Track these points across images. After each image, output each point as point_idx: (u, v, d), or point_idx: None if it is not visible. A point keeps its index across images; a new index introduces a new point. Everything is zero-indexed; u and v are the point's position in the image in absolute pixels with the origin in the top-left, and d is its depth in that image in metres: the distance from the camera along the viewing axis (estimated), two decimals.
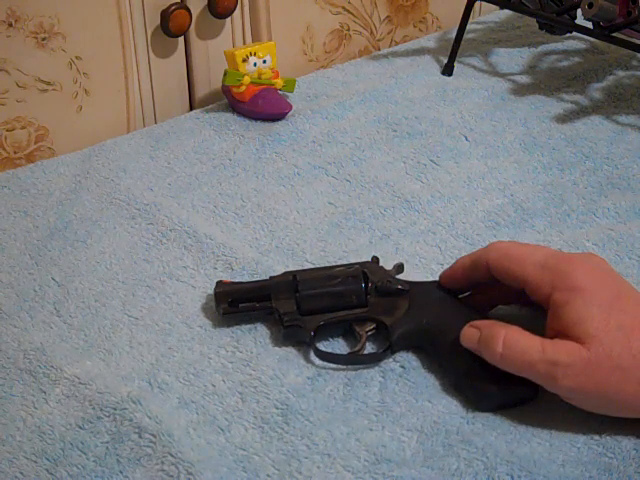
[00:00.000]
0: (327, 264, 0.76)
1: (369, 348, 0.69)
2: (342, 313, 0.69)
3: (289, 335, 0.69)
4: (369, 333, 0.69)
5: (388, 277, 0.70)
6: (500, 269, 0.65)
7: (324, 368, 0.67)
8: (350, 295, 0.69)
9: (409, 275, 0.73)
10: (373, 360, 0.67)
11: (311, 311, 0.69)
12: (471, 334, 0.64)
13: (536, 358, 0.60)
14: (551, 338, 0.61)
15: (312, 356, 0.68)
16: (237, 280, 0.75)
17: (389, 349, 0.67)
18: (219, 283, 0.72)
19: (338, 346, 0.70)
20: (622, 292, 0.62)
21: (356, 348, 0.68)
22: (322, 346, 0.69)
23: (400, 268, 0.72)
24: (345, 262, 0.75)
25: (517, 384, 0.62)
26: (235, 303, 0.71)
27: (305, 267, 0.77)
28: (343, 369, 0.67)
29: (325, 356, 0.68)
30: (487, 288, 0.69)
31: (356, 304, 0.69)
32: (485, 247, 0.68)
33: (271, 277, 0.72)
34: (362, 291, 0.69)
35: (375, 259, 0.72)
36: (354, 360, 0.67)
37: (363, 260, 0.73)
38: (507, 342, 0.61)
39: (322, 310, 0.69)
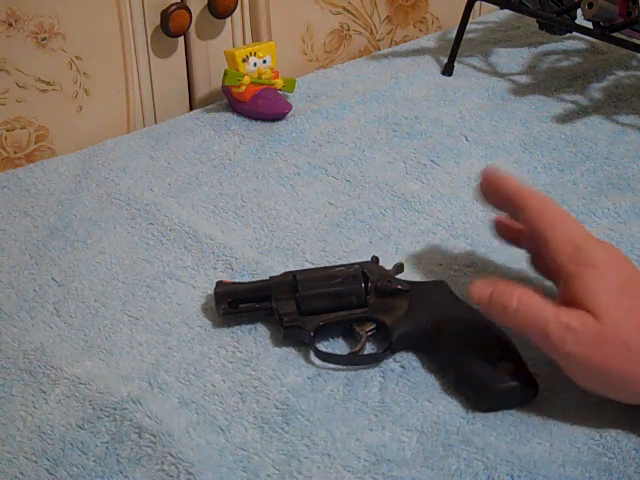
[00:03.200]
0: (327, 264, 0.77)
1: (369, 348, 0.69)
2: (342, 313, 0.69)
3: (289, 335, 0.69)
4: (369, 333, 0.69)
5: (388, 277, 0.70)
6: (531, 215, 0.65)
7: (324, 368, 0.67)
8: (350, 295, 0.69)
9: (409, 275, 0.73)
10: (373, 360, 0.67)
11: (311, 311, 0.69)
12: (482, 289, 0.63)
13: (550, 317, 0.59)
14: None
15: (312, 356, 0.68)
16: (237, 280, 0.75)
17: (389, 349, 0.67)
18: (219, 283, 0.72)
19: (338, 346, 0.70)
20: (636, 278, 0.62)
21: (356, 348, 0.68)
22: (322, 346, 0.69)
23: (400, 268, 0.72)
24: (345, 262, 0.75)
25: (517, 384, 0.62)
26: (235, 303, 0.71)
27: (305, 267, 0.77)
28: (343, 369, 0.67)
29: (325, 356, 0.68)
30: None
31: (356, 304, 0.69)
32: (526, 188, 0.67)
33: (271, 277, 0.72)
34: (362, 291, 0.69)
35: (375, 259, 0.72)
36: (354, 360, 0.67)
37: (363, 260, 0.73)
38: (522, 299, 0.61)
39: (322, 310, 0.69)
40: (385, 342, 0.68)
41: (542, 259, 0.66)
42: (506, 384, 0.62)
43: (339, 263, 0.76)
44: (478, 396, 0.63)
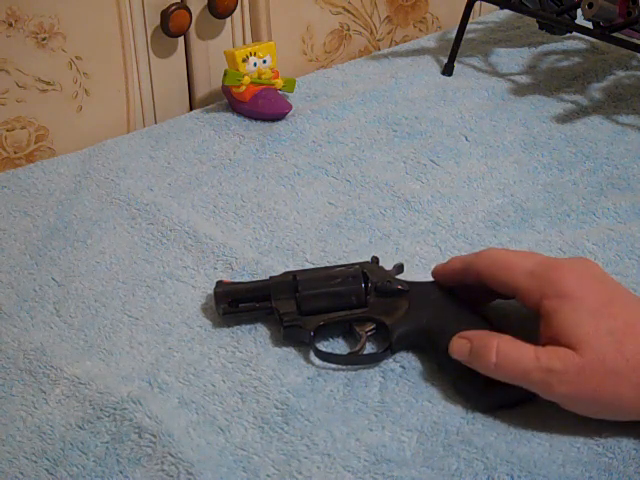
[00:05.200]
0: (327, 264, 0.76)
1: (369, 348, 0.69)
2: (342, 313, 0.69)
3: (289, 335, 0.69)
4: (369, 333, 0.69)
5: (388, 277, 0.70)
6: (490, 278, 0.65)
7: (324, 368, 0.67)
8: (350, 295, 0.69)
9: (409, 275, 0.73)
10: (373, 360, 0.67)
11: (311, 311, 0.69)
12: (461, 345, 0.63)
13: (531, 366, 0.59)
14: (544, 345, 0.61)
15: (312, 356, 0.68)
16: (237, 280, 0.75)
17: (389, 349, 0.67)
18: (219, 283, 0.72)
19: (338, 346, 0.70)
20: (613, 297, 0.62)
21: (356, 348, 0.68)
22: (322, 346, 0.69)
23: (400, 268, 0.72)
24: (345, 262, 0.75)
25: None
26: (235, 303, 0.71)
27: (305, 267, 0.77)
28: (343, 369, 0.67)
29: (325, 356, 0.68)
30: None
31: (356, 304, 0.69)
32: (477, 253, 0.68)
33: (271, 277, 0.72)
34: (362, 291, 0.69)
35: (375, 259, 0.72)
36: (354, 360, 0.67)
37: (363, 260, 0.73)
38: (500, 351, 0.61)
39: (322, 310, 0.69)
40: (385, 342, 0.68)
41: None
42: (506, 384, 0.62)
43: (339, 263, 0.76)
44: (478, 396, 0.63)
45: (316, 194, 0.88)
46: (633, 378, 0.58)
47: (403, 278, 0.71)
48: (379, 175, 0.91)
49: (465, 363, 0.63)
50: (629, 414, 0.60)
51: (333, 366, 0.67)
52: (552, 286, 0.62)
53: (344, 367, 0.67)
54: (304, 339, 0.68)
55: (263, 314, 0.71)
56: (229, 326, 0.71)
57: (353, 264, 0.72)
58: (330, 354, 0.68)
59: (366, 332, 0.68)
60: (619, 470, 0.58)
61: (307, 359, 0.68)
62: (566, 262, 0.65)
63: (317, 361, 0.68)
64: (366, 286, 0.69)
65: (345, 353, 0.68)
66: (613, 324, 0.59)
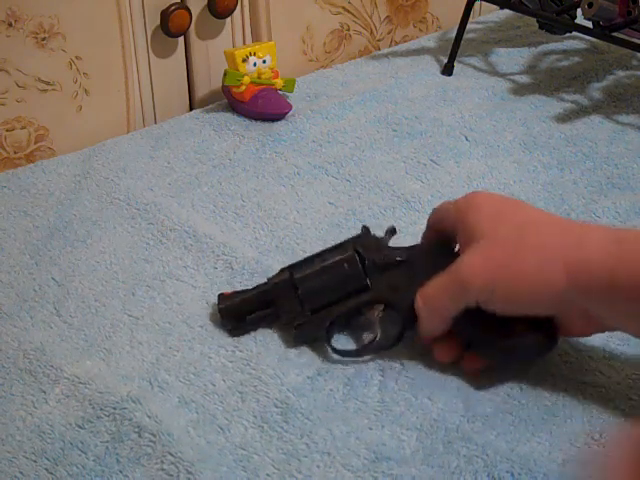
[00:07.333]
0: None
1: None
2: (349, 302, 0.68)
3: (300, 335, 0.68)
4: (379, 316, 0.68)
5: (384, 250, 0.69)
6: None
7: (324, 367, 0.67)
8: (351, 282, 0.68)
9: None
10: (394, 343, 0.67)
11: (317, 307, 0.68)
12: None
13: (444, 281, 0.64)
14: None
15: (329, 353, 0.67)
16: (236, 279, 0.74)
17: (402, 331, 0.66)
18: (221, 297, 0.71)
19: (341, 338, 0.69)
20: (515, 204, 0.67)
21: (372, 336, 0.67)
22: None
23: (392, 232, 0.71)
24: None
25: (534, 335, 0.62)
26: (241, 317, 0.70)
27: None
28: (342, 368, 0.67)
29: (344, 353, 0.67)
30: None
31: (358, 289, 0.68)
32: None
33: (268, 279, 0.71)
34: (362, 274, 0.68)
35: (365, 229, 0.71)
36: (374, 349, 0.67)
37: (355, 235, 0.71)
38: (423, 292, 0.65)
39: (327, 304, 0.68)
40: (396, 322, 0.67)
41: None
42: (524, 335, 0.62)
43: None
44: (497, 351, 0.64)
45: (316, 194, 0.88)
46: (535, 257, 0.61)
47: (396, 244, 0.70)
48: (379, 175, 0.91)
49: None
50: (539, 304, 0.61)
51: (332, 365, 0.67)
52: (468, 201, 0.66)
53: (345, 365, 0.67)
54: (318, 336, 0.68)
55: (270, 320, 0.71)
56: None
57: (345, 243, 0.70)
58: (348, 351, 0.67)
59: (377, 316, 0.68)
60: None
61: (307, 358, 0.68)
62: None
63: (335, 356, 0.67)
64: (364, 267, 0.68)
65: (347, 339, 0.68)
66: (514, 220, 0.64)
